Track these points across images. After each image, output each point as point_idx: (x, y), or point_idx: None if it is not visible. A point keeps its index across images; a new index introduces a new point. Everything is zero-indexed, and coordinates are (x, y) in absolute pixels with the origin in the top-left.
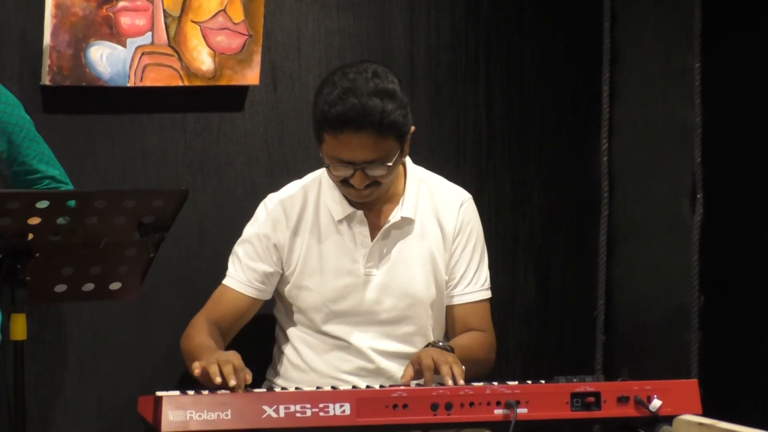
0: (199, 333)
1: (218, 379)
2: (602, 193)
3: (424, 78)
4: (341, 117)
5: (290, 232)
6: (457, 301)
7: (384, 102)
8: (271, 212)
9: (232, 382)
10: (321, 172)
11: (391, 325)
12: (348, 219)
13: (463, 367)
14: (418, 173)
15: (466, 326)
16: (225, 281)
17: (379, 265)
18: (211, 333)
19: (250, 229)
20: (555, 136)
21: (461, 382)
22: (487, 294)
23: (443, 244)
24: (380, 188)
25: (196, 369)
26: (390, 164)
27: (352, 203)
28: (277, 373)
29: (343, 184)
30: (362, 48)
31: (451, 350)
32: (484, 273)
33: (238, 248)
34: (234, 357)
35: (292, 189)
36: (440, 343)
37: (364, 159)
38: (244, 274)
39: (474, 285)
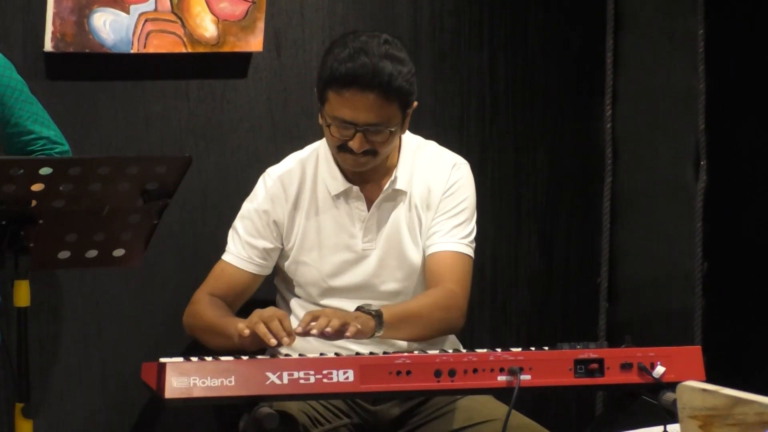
0: (208, 307)
1: (273, 341)
2: (606, 159)
3: (427, 44)
4: (350, 73)
5: (289, 207)
6: (430, 251)
7: (394, 65)
8: (270, 188)
9: (286, 341)
10: (319, 145)
11: (390, 297)
12: (344, 194)
13: (360, 326)
14: (414, 143)
15: (437, 277)
16: (225, 257)
17: (376, 239)
18: (221, 306)
19: (249, 205)
20: (559, 102)
21: (329, 330)
22: (467, 249)
23: (429, 204)
24: (376, 159)
25: (245, 330)
26: (391, 130)
27: (348, 178)
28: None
29: (340, 150)
30: (366, 14)
31: (378, 314)
32: (467, 231)
33: (238, 224)
34: (279, 313)
35: (291, 163)
36: (365, 307)
37: (366, 121)
38: (244, 250)
39: (452, 237)
